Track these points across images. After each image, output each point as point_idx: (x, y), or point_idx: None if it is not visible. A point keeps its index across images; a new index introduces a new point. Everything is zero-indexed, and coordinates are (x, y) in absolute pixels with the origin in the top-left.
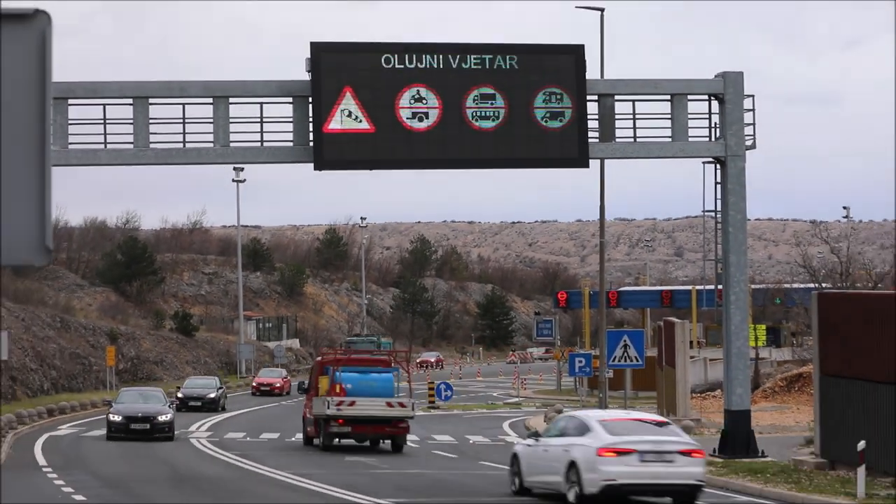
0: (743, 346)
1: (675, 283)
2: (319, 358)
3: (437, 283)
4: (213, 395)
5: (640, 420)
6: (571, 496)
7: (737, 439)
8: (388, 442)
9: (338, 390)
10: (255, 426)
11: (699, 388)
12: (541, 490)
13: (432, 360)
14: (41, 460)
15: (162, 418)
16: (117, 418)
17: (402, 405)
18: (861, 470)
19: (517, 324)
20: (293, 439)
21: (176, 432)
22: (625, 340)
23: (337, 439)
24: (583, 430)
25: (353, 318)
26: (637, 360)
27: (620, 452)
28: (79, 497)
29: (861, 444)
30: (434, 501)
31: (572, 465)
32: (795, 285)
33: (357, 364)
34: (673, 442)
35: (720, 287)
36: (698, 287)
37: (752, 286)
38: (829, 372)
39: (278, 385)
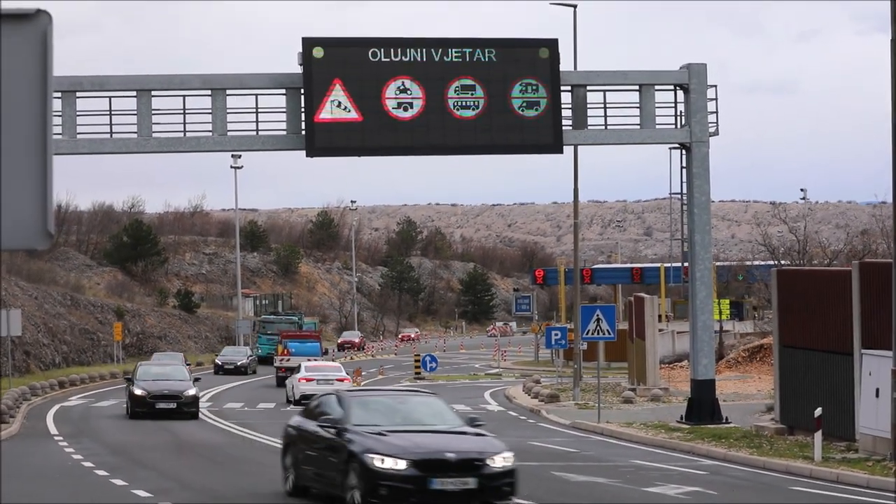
0: (708, 319)
1: (644, 261)
2: (280, 334)
3: (423, 261)
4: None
5: (323, 365)
6: (286, 399)
7: (702, 407)
8: None
9: (284, 352)
10: (252, 396)
11: (667, 359)
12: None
13: (356, 340)
14: (53, 429)
15: None
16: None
17: (315, 360)
18: (818, 435)
19: (497, 300)
20: (287, 409)
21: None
22: (598, 315)
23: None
24: (297, 370)
25: (343, 295)
26: (609, 333)
27: (308, 380)
28: (87, 464)
29: (818, 411)
30: None
31: (293, 387)
32: (756, 262)
33: (298, 337)
34: (334, 373)
35: (686, 264)
36: (666, 264)
37: (717, 263)
38: (787, 343)
39: None
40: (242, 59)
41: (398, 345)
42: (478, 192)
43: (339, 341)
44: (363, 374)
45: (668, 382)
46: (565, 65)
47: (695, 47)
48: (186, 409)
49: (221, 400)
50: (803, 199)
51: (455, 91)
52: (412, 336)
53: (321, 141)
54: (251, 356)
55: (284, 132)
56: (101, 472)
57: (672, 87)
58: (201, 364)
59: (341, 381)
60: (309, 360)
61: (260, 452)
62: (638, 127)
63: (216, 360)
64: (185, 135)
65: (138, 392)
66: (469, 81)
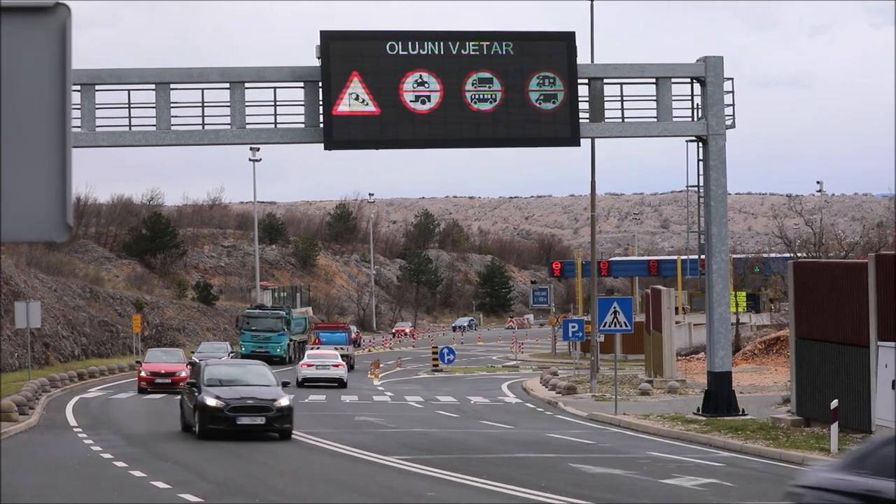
0: (724, 311)
1: (661, 254)
2: (313, 325)
3: (441, 254)
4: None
5: (324, 353)
6: (296, 383)
7: (719, 399)
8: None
9: (316, 341)
10: None
11: (684, 352)
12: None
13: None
14: (72, 421)
15: None
16: None
17: (343, 349)
18: (834, 427)
19: (515, 292)
20: (306, 400)
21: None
22: (615, 307)
23: None
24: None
25: (361, 287)
26: (626, 326)
27: (309, 365)
28: (106, 455)
29: (834, 403)
30: (437, 458)
31: (297, 372)
32: (773, 255)
33: (328, 328)
34: (332, 360)
35: (703, 257)
36: (683, 257)
37: (733, 256)
38: (804, 335)
39: (184, 375)
40: (261, 53)
41: (394, 339)
42: (495, 184)
43: None
44: (381, 365)
45: (684, 374)
46: (582, 58)
47: (709, 42)
48: (278, 424)
49: None
50: (819, 191)
51: (472, 84)
52: (406, 331)
53: (339, 134)
54: (232, 353)
55: (303, 125)
56: (121, 464)
57: (689, 80)
58: None
59: (336, 366)
60: (337, 348)
61: (276, 444)
62: (655, 120)
63: (192, 358)
64: (203, 128)
65: (212, 403)
66: (486, 74)
